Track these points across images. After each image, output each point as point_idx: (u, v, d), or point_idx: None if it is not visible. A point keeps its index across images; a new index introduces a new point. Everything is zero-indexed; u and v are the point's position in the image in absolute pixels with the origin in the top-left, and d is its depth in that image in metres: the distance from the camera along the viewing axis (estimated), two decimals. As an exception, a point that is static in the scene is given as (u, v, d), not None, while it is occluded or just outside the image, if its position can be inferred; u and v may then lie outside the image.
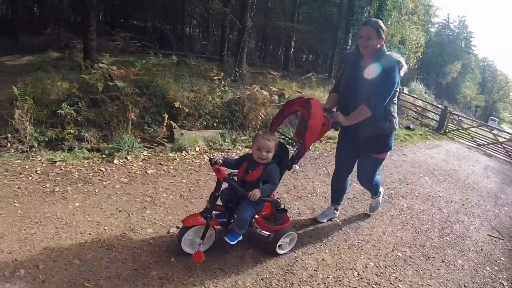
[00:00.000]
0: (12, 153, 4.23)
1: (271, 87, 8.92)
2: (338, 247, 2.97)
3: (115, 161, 4.12)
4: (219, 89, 7.67)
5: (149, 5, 17.03)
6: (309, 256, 2.77)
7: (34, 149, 4.42)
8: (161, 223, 2.89)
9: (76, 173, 3.73)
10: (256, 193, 2.24)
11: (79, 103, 5.48)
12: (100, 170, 3.87)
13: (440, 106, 17.24)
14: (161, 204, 3.24)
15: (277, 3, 14.58)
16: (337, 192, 3.36)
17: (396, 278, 2.69)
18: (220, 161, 2.41)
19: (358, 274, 2.65)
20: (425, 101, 18.24)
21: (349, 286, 2.51)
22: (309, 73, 14.63)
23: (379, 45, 2.64)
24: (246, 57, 11.12)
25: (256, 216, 2.61)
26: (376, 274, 2.68)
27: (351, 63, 2.84)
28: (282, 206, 2.67)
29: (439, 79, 37.34)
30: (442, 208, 4.40)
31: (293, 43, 16.77)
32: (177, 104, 6.07)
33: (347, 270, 2.68)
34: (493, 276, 3.02)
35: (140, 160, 4.32)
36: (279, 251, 2.63)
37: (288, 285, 2.41)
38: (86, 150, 4.41)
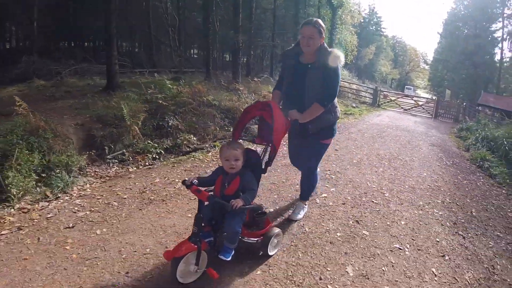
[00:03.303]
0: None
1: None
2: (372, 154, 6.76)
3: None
4: (244, 96, 10.92)
5: (124, 30, 18.65)
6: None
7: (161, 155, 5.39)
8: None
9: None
10: (238, 201, 2.22)
11: (176, 116, 6.63)
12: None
13: (371, 86, 22.41)
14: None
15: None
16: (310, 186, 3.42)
17: (406, 155, 6.63)
18: (195, 181, 2.37)
19: (390, 156, 6.49)
20: (357, 84, 23.32)
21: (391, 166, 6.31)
22: (263, 75, 18.09)
23: (320, 44, 2.76)
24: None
25: None
26: (395, 154, 6.51)
27: (292, 60, 2.93)
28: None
29: (357, 62, 40.67)
30: (404, 139, 8.67)
31: (252, 52, 20.23)
32: (242, 109, 9.10)
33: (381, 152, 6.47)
34: (436, 154, 7.21)
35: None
36: (271, 252, 2.71)
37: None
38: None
